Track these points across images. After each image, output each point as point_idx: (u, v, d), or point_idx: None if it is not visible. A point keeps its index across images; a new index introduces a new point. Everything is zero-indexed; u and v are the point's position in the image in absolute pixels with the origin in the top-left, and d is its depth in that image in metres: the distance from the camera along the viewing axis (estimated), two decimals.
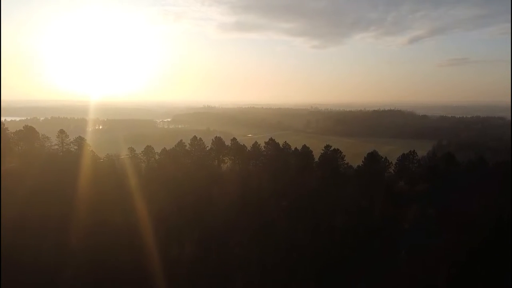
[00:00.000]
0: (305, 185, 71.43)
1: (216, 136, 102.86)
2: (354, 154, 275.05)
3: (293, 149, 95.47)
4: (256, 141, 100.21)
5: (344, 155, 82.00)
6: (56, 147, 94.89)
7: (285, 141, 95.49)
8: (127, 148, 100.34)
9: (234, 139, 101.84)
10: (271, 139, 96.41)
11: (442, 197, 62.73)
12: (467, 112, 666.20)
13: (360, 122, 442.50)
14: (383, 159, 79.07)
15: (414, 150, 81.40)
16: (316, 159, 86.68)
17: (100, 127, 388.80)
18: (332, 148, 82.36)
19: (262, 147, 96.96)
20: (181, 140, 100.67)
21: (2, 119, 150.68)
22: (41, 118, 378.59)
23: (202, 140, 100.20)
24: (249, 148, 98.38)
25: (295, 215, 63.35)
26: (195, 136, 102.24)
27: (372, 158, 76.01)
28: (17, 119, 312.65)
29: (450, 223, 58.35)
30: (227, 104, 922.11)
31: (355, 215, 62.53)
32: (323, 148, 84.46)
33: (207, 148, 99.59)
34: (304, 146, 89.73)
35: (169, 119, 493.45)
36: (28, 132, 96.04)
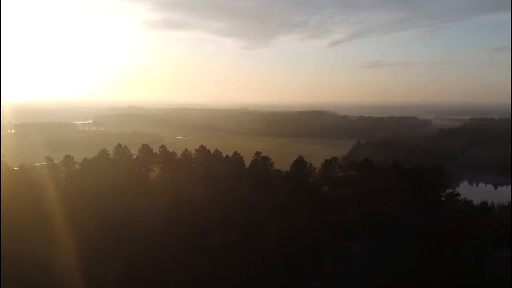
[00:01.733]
0: (237, 193, 71.98)
1: (143, 144, 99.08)
2: (284, 154, 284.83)
3: (224, 155, 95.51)
4: (186, 148, 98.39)
5: (273, 162, 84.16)
6: None
7: (216, 148, 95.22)
8: (44, 157, 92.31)
9: (163, 147, 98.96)
10: (202, 146, 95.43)
11: (363, 201, 67.32)
12: (383, 112, 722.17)
13: (288, 123, 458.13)
14: (308, 164, 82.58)
15: (336, 156, 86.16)
16: (251, 159, 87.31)
17: (13, 131, 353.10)
18: (261, 155, 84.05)
19: (193, 154, 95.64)
20: (104, 149, 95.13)
21: None
22: None
23: (127, 148, 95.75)
24: (179, 155, 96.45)
25: (228, 225, 63.59)
26: (119, 143, 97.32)
27: (299, 164, 79.03)
28: None
29: (372, 226, 62.87)
30: (154, 105, 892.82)
31: (285, 222, 64.50)
32: (253, 155, 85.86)
33: (134, 156, 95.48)
34: (235, 153, 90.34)
35: (90, 121, 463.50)
36: None
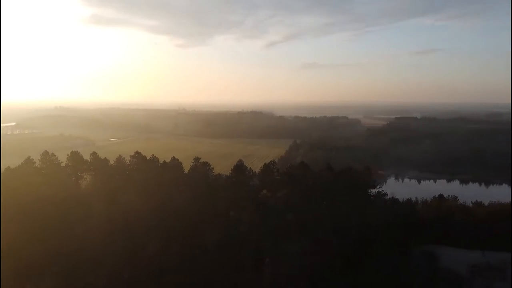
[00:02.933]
0: (176, 202, 70.84)
1: (72, 151, 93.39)
2: (223, 155, 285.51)
3: (162, 160, 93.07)
4: (120, 155, 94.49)
5: (213, 167, 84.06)
6: None
7: (153, 154, 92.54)
8: None
9: (94, 153, 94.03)
10: (137, 152, 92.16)
11: (299, 203, 69.95)
12: (317, 112, 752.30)
13: (227, 124, 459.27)
14: (248, 169, 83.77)
15: (274, 161, 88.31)
16: (191, 164, 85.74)
17: None
18: (201, 161, 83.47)
19: (128, 161, 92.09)
20: (29, 157, 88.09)
21: None
22: None
23: (55, 155, 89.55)
24: (112, 160, 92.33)
25: (166, 235, 62.38)
26: (46, 151, 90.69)
27: (239, 169, 79.91)
28: None
29: (307, 227, 65.56)
30: (85, 105, 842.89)
31: (225, 229, 64.93)
32: (193, 160, 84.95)
33: (62, 164, 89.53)
34: (173, 159, 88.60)
35: (13, 124, 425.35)
36: None
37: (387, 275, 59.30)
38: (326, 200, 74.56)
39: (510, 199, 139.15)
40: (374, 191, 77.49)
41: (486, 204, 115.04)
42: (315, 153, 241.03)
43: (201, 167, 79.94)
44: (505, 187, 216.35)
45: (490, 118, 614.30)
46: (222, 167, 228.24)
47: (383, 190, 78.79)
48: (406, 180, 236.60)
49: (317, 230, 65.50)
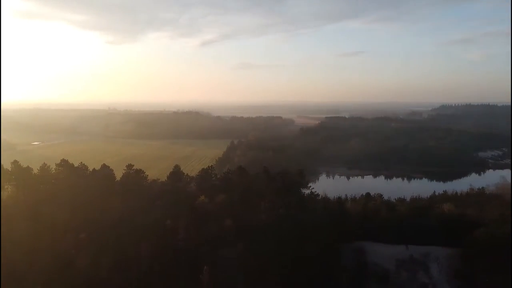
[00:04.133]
0: (107, 212, 67.66)
1: None
2: (159, 157, 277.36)
3: (91, 167, 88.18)
4: (44, 163, 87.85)
5: (148, 175, 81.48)
6: None
7: (81, 162, 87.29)
8: None
9: (15, 162, 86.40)
10: (63, 160, 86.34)
11: (237, 208, 70.61)
12: (253, 112, 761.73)
13: (162, 124, 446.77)
14: (185, 175, 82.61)
15: (211, 166, 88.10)
16: (123, 171, 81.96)
17: None
18: (134, 168, 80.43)
19: (53, 169, 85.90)
20: None
21: None
22: None
23: None
24: (36, 168, 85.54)
25: (97, 248, 59.36)
26: None
27: (175, 175, 78.41)
28: None
29: (244, 232, 66.44)
30: (6, 105, 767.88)
31: (162, 239, 63.50)
32: (125, 168, 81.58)
33: None
34: (104, 166, 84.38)
35: None
36: None
37: (320, 273, 62.27)
38: (264, 203, 76.05)
39: (429, 194, 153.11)
40: (307, 192, 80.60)
41: (408, 199, 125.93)
42: (252, 153, 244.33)
43: (135, 175, 77.14)
44: (424, 181, 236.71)
45: (410, 116, 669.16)
46: (159, 170, 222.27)
47: (315, 191, 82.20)
48: (337, 177, 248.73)
49: (254, 234, 66.64)
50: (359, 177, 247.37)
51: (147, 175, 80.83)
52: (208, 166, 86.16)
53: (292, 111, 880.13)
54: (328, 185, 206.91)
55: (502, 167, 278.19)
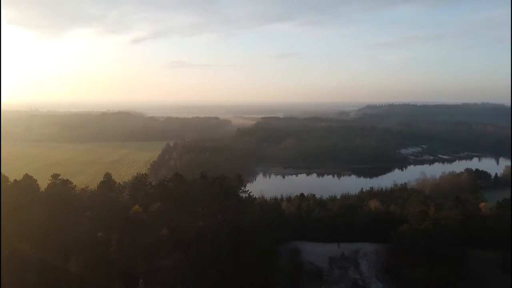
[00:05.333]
0: (30, 227, 62.42)
1: None
2: (87, 162, 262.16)
3: (11, 177, 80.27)
4: None
5: (75, 185, 76.42)
6: None
7: None
8: None
9: None
10: None
11: (173, 217, 69.15)
12: (189, 112, 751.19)
13: (89, 126, 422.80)
14: (117, 184, 78.97)
15: (145, 173, 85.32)
16: (48, 181, 75.49)
17: None
18: (60, 178, 74.83)
19: None
20: None
21: None
22: None
23: None
24: None
25: (21, 266, 54.69)
26: None
27: (106, 184, 74.55)
28: None
29: (182, 240, 65.40)
30: None
31: (93, 252, 60.22)
32: (50, 178, 75.60)
33: None
34: (27, 176, 77.19)
35: None
36: None
37: (258, 276, 63.36)
38: (201, 210, 75.42)
39: (358, 190, 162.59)
40: (245, 195, 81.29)
41: (339, 196, 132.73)
42: (189, 156, 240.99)
43: (61, 185, 72.03)
44: (353, 178, 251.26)
45: (339, 116, 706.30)
46: (87, 176, 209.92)
47: (252, 194, 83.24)
48: (273, 176, 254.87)
49: (192, 242, 65.88)
50: (294, 175, 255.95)
51: (75, 185, 75.84)
52: (142, 174, 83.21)
53: (229, 112, 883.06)
54: (265, 185, 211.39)
55: (422, 163, 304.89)
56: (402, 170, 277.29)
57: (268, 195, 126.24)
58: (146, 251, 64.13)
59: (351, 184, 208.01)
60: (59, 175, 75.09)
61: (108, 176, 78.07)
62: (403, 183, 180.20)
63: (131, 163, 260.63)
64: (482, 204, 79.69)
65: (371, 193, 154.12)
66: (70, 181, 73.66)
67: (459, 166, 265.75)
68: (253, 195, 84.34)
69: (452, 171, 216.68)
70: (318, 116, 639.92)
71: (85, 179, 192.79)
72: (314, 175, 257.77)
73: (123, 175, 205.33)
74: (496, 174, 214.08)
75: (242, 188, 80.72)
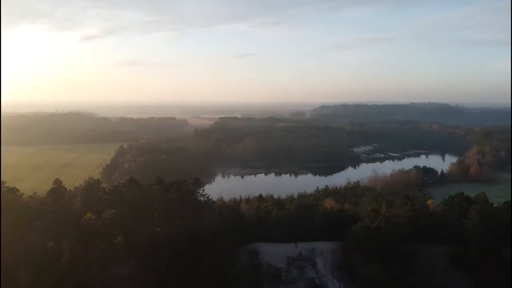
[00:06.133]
0: None
1: None
2: (35, 166, 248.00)
3: None
4: None
5: (23, 193, 71.96)
6: None
7: None
8: None
9: None
10: None
11: (128, 223, 67.24)
12: (144, 112, 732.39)
13: (37, 128, 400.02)
14: (68, 190, 75.38)
15: (98, 179, 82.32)
16: None
17: None
18: (6, 185, 70.10)
19: None
20: None
21: None
22: None
23: None
24: None
25: None
26: None
27: (56, 192, 70.86)
28: None
29: (138, 248, 63.87)
30: None
31: (43, 264, 57.24)
32: None
33: None
34: None
35: None
36: None
37: (217, 280, 63.32)
38: (158, 215, 73.92)
39: (314, 189, 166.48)
40: (203, 199, 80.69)
41: (296, 195, 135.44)
42: (144, 158, 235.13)
43: (7, 194, 67.53)
44: (309, 176, 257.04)
45: (295, 116, 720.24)
46: (35, 181, 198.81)
47: (211, 197, 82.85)
48: (232, 177, 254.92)
49: (148, 249, 64.53)
50: (252, 175, 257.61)
51: (23, 193, 71.47)
52: (95, 179, 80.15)
53: (186, 112, 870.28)
54: (224, 186, 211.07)
55: (373, 161, 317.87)
56: (355, 168, 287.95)
57: (227, 197, 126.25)
58: (100, 260, 61.96)
59: (308, 183, 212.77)
60: (5, 182, 70.47)
61: (58, 181, 74.32)
62: (356, 180, 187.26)
63: (83, 166, 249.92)
64: (429, 201, 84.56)
65: (326, 192, 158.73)
66: (17, 189, 69.31)
67: (408, 163, 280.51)
68: (211, 198, 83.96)
69: (402, 169, 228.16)
70: (275, 116, 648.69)
71: (33, 184, 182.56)
72: (272, 174, 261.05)
73: (74, 180, 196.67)
74: (442, 170, 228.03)
75: (201, 192, 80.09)
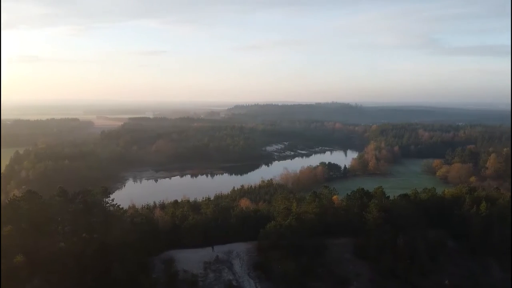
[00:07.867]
0: None
1: None
2: None
3: None
4: None
5: None
6: None
7: None
8: None
9: None
10: None
11: (28, 240, 61.10)
12: (42, 113, 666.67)
13: None
14: None
15: None
16: None
17: None
18: None
19: None
20: None
21: None
22: None
23: None
24: None
25: None
26: None
27: None
28: None
29: (41, 266, 58.39)
30: None
31: None
32: None
33: None
34: None
35: None
36: None
37: None
38: (62, 230, 68.18)
39: (230, 189, 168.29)
40: (112, 209, 76.42)
41: (212, 196, 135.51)
42: (44, 164, 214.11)
43: None
44: (225, 176, 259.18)
45: (210, 116, 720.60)
46: None
47: (122, 207, 78.87)
48: (144, 181, 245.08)
49: (53, 266, 59.31)
50: (167, 178, 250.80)
51: None
52: None
53: (91, 112, 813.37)
54: (136, 192, 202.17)
55: (284, 158, 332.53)
56: (268, 166, 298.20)
57: (140, 203, 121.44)
58: None
59: (224, 183, 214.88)
60: None
61: None
62: (269, 178, 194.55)
63: None
64: (335, 197, 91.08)
65: (242, 191, 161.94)
66: None
67: (315, 160, 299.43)
68: (122, 207, 79.95)
69: (310, 165, 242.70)
70: (189, 116, 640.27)
71: None
72: (188, 176, 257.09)
73: None
74: (345, 166, 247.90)
75: (110, 201, 75.74)
